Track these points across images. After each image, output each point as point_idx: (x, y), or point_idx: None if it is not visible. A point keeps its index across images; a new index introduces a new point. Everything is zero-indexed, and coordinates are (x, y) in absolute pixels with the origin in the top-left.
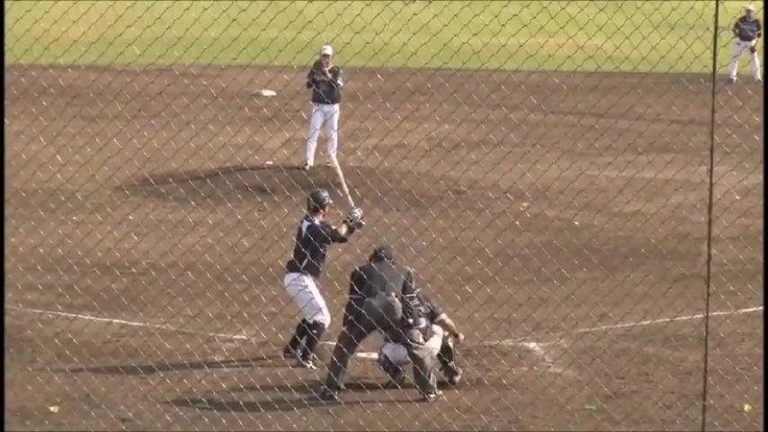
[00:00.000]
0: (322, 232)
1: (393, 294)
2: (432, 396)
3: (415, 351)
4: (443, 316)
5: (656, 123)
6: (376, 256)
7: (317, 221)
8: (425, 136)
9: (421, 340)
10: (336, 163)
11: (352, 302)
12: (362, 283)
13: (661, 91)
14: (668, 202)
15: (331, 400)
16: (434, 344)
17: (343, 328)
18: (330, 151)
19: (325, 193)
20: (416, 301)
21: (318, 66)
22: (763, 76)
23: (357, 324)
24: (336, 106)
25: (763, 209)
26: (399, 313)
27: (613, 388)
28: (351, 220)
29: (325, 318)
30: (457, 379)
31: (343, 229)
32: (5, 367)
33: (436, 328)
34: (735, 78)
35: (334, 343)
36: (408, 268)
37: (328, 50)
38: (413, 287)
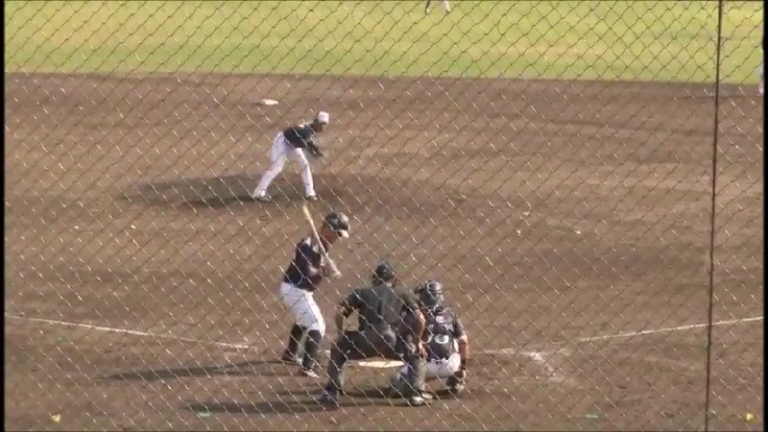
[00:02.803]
0: (302, 256)
1: (389, 326)
2: (417, 399)
3: (410, 358)
4: (464, 337)
5: (658, 133)
6: (377, 277)
7: (310, 241)
8: (426, 144)
9: (414, 349)
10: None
11: (348, 332)
12: (360, 308)
13: (663, 100)
14: (670, 212)
15: (332, 406)
16: (453, 363)
17: (336, 346)
18: (311, 191)
19: (345, 219)
20: (441, 317)
21: (316, 129)
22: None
23: (350, 346)
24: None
25: (764, 218)
26: (393, 345)
27: (615, 397)
28: (325, 272)
29: (320, 326)
30: (458, 387)
31: (313, 271)
32: (7, 376)
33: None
34: (761, 92)
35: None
36: (413, 288)
37: (327, 118)
38: (413, 303)
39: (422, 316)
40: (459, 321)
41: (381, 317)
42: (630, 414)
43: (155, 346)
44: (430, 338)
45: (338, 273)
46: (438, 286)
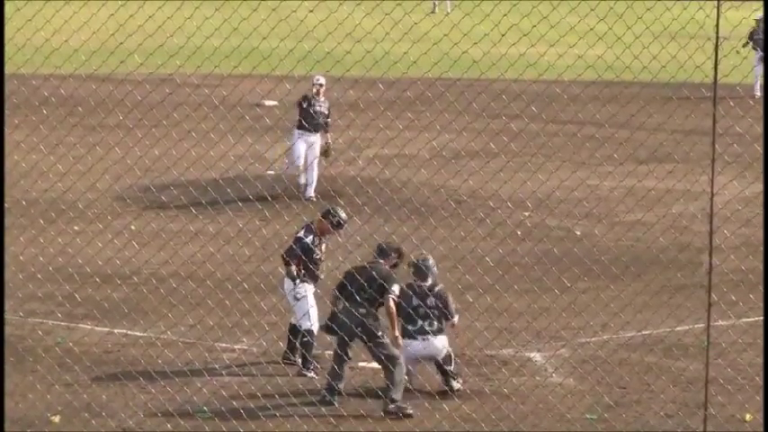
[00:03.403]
0: (293, 248)
1: (364, 303)
2: (391, 407)
3: (387, 361)
4: (455, 320)
5: (657, 133)
6: (375, 255)
7: (304, 233)
8: (426, 145)
9: (392, 350)
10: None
11: (330, 315)
12: (341, 289)
13: (662, 100)
14: (669, 212)
15: (330, 406)
16: (439, 342)
17: (335, 347)
18: (311, 192)
19: (344, 217)
20: (432, 299)
21: (312, 96)
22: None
23: (337, 332)
24: (319, 135)
25: (763, 218)
26: (368, 326)
27: (614, 397)
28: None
29: (313, 324)
30: (455, 385)
31: (296, 265)
32: (6, 377)
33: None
34: (758, 94)
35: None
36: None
37: (323, 80)
38: (393, 286)
39: (393, 303)
40: (450, 301)
41: (354, 292)
42: (630, 414)
43: (154, 348)
44: (419, 324)
45: (321, 274)
46: (431, 260)
